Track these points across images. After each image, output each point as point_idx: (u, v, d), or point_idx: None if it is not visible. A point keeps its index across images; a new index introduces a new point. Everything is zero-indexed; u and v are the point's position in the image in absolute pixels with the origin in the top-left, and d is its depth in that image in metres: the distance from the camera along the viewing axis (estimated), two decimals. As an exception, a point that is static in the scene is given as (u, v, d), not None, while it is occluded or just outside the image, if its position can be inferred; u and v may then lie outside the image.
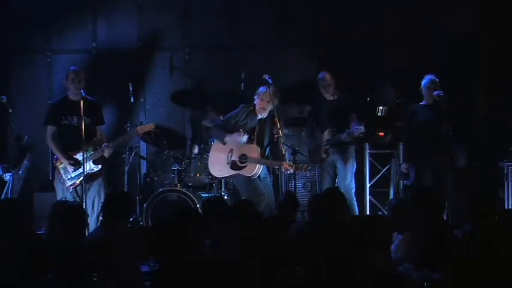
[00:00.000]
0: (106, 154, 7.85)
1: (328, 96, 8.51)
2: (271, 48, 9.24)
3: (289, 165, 7.81)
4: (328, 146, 8.42)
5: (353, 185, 8.49)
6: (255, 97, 8.08)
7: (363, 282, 4.08)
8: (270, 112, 8.03)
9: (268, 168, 8.26)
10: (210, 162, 8.32)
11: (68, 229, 5.64)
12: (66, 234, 5.61)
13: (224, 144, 8.11)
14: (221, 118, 8.44)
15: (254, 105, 8.09)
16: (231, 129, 8.10)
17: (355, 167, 8.55)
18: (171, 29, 10.01)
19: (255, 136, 8.04)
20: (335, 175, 8.54)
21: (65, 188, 7.89)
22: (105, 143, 7.89)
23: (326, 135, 8.47)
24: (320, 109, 8.61)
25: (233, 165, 8.07)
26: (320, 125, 8.57)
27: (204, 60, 9.93)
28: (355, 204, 8.46)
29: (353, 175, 8.51)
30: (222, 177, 8.42)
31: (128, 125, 9.04)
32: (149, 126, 8.27)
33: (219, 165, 8.16)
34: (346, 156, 8.46)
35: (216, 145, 8.29)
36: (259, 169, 7.98)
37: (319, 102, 8.62)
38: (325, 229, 5.68)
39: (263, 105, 8.01)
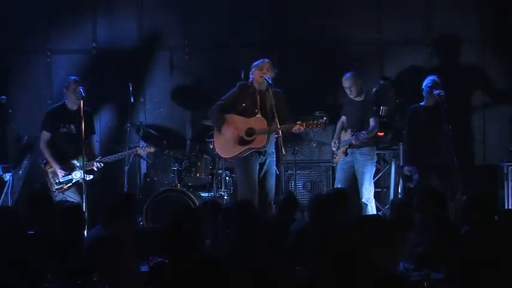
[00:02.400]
0: (95, 168, 8.07)
1: (353, 97, 8.49)
2: (271, 48, 9.22)
3: (300, 124, 7.71)
4: (347, 146, 8.41)
5: (370, 187, 8.40)
6: (252, 70, 7.94)
7: (362, 283, 4.07)
8: (266, 85, 7.84)
9: (277, 164, 8.15)
10: (216, 147, 8.13)
11: (67, 229, 5.66)
12: (66, 234, 5.63)
13: (223, 126, 7.91)
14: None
15: (251, 82, 7.97)
16: (233, 110, 7.94)
17: (373, 169, 8.49)
18: (171, 29, 10.00)
19: (259, 109, 7.91)
20: (352, 175, 8.46)
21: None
22: (99, 158, 8.11)
23: (347, 135, 8.46)
24: (346, 108, 8.64)
25: (241, 142, 7.88)
26: (348, 124, 8.57)
27: (204, 60, 9.92)
28: (373, 207, 8.39)
29: (371, 177, 8.44)
30: (235, 156, 7.95)
31: (128, 125, 9.03)
32: (149, 150, 8.47)
33: (226, 146, 7.97)
34: (364, 158, 8.39)
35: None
36: (268, 140, 7.84)
37: (347, 102, 8.63)
38: (325, 229, 5.68)
39: (262, 74, 7.84)
